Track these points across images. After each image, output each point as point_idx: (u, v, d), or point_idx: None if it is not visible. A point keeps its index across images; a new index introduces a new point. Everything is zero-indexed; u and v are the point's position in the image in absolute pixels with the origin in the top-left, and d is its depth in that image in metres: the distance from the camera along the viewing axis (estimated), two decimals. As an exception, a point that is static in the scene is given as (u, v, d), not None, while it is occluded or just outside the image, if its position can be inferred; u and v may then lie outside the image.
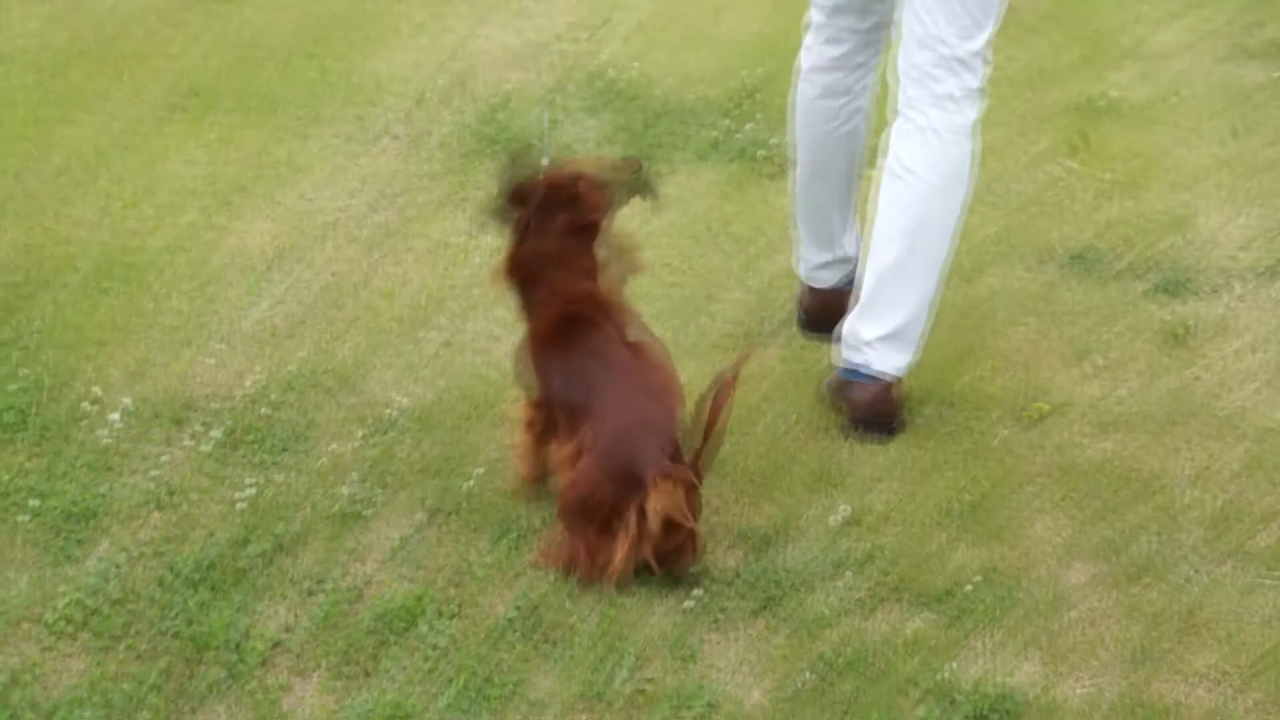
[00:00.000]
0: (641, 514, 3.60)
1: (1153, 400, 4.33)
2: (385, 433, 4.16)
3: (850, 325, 4.27)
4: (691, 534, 3.65)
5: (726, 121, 5.86)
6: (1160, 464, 4.08)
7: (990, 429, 4.21)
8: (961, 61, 4.14)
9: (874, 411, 4.22)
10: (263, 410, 4.21)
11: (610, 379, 3.74)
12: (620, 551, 3.63)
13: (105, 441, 4.07)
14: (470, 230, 5.10)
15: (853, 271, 4.49)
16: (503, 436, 4.09)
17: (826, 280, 4.60)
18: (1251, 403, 4.31)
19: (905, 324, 4.21)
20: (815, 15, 4.40)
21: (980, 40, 4.15)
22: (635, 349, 3.80)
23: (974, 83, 4.17)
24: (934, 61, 4.15)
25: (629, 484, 3.60)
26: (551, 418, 3.83)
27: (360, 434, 4.16)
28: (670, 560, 3.66)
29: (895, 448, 4.14)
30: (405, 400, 4.28)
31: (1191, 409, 4.28)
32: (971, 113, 4.19)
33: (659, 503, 3.58)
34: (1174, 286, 4.85)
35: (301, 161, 5.53)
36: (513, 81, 6.23)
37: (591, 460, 3.66)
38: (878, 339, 4.21)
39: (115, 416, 4.13)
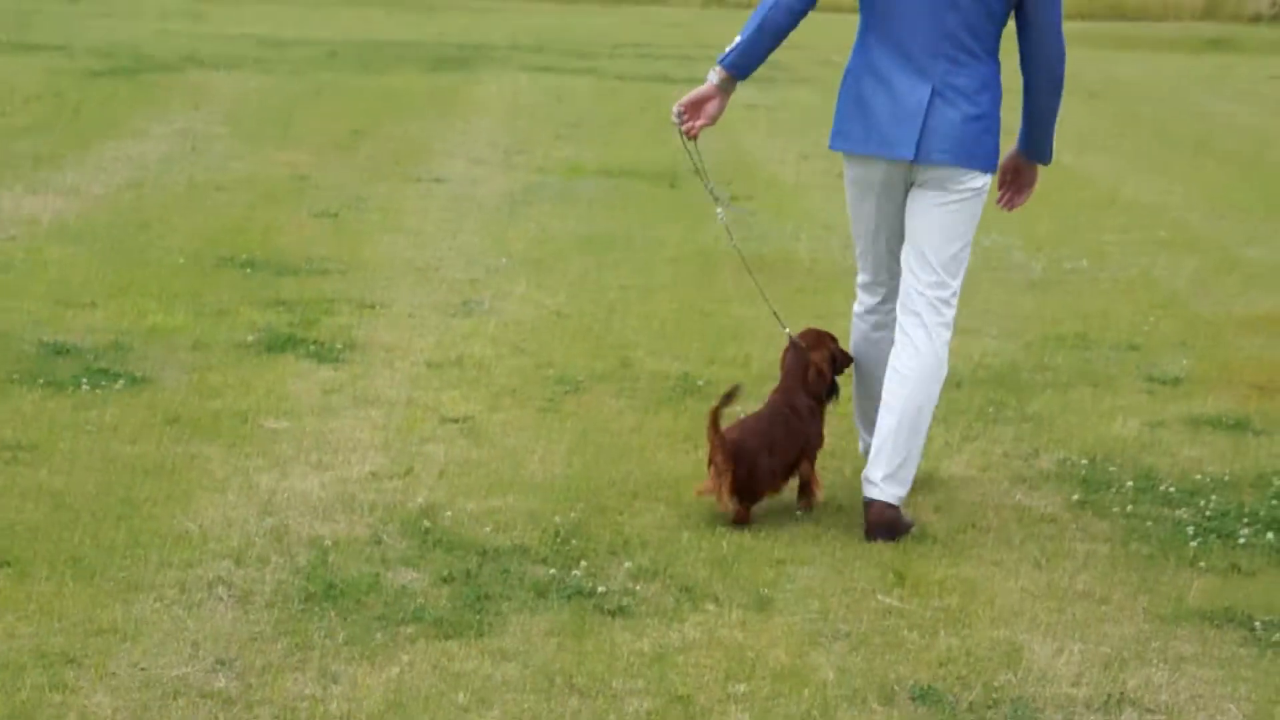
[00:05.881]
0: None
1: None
2: None
3: (865, 471, 6.41)
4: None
5: (551, 568, 5.94)
6: None
7: None
8: (934, 306, 6.34)
9: (884, 523, 6.30)
10: None
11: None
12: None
13: None
14: (317, 693, 5.06)
15: None
16: None
17: None
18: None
19: (901, 467, 6.34)
20: (863, 277, 6.66)
21: (951, 289, 6.35)
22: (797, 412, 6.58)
23: (947, 317, 6.37)
24: (923, 305, 6.34)
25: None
26: None
27: None
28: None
29: None
30: None
31: None
32: (946, 335, 6.37)
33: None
34: (1020, 725, 4.99)
35: (129, 628, 5.43)
36: (329, 533, 6.24)
37: None
38: (882, 478, 6.32)
39: None
